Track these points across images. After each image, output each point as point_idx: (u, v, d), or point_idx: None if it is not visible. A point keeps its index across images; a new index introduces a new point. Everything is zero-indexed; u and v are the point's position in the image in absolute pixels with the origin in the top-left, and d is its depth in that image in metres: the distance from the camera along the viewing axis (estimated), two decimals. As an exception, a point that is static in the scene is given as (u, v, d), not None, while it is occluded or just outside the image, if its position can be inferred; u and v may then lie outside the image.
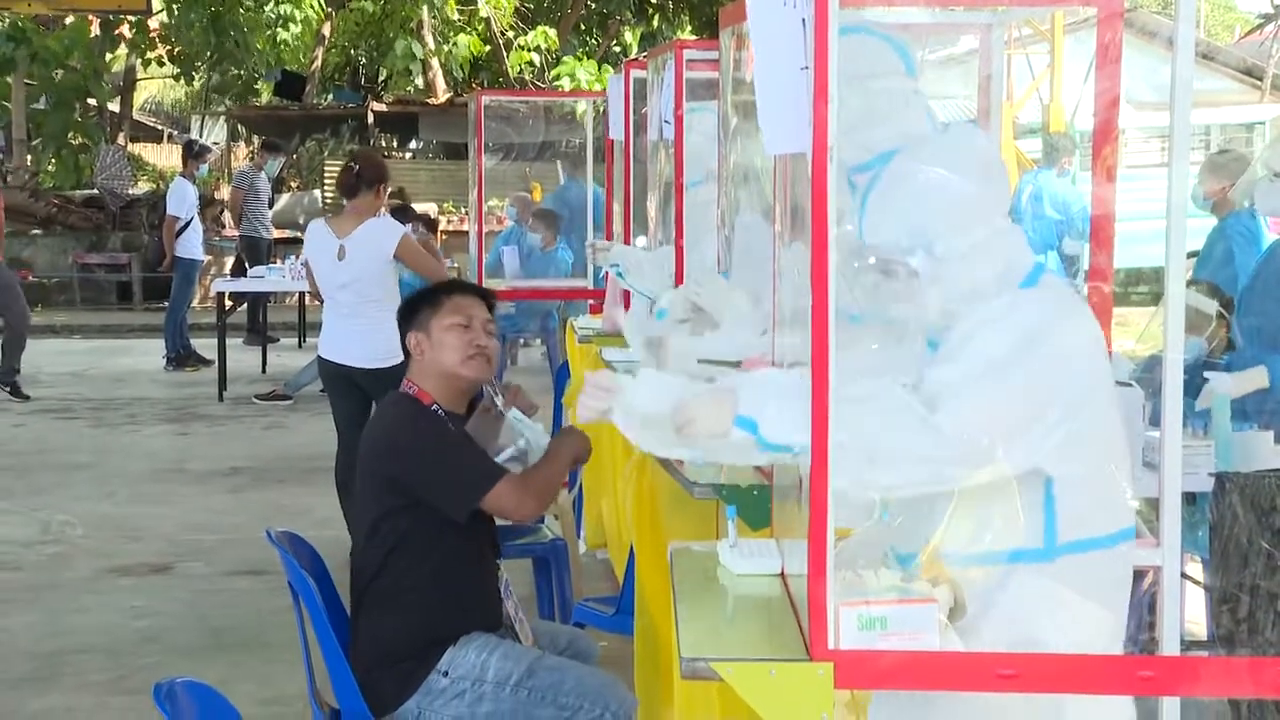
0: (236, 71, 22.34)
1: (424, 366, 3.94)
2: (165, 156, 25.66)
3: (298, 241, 14.41)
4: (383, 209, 6.88)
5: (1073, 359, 2.64)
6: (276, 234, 15.14)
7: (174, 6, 19.68)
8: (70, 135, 20.13)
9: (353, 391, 6.59)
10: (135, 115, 25.20)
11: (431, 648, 3.72)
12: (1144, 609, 3.10)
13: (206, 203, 14.95)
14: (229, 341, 11.93)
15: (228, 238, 15.94)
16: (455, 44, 20.79)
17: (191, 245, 13.02)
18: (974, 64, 3.61)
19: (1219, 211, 7.31)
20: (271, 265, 13.24)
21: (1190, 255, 5.88)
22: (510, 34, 20.84)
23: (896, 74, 3.12)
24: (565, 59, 19.67)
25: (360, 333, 6.53)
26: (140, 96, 27.38)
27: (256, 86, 23.26)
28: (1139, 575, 2.85)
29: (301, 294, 13.87)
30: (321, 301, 6.93)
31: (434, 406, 3.89)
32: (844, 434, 2.39)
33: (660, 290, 5.97)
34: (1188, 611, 4.43)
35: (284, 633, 4.71)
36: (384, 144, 22.64)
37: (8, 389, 11.41)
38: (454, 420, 3.93)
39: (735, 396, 2.60)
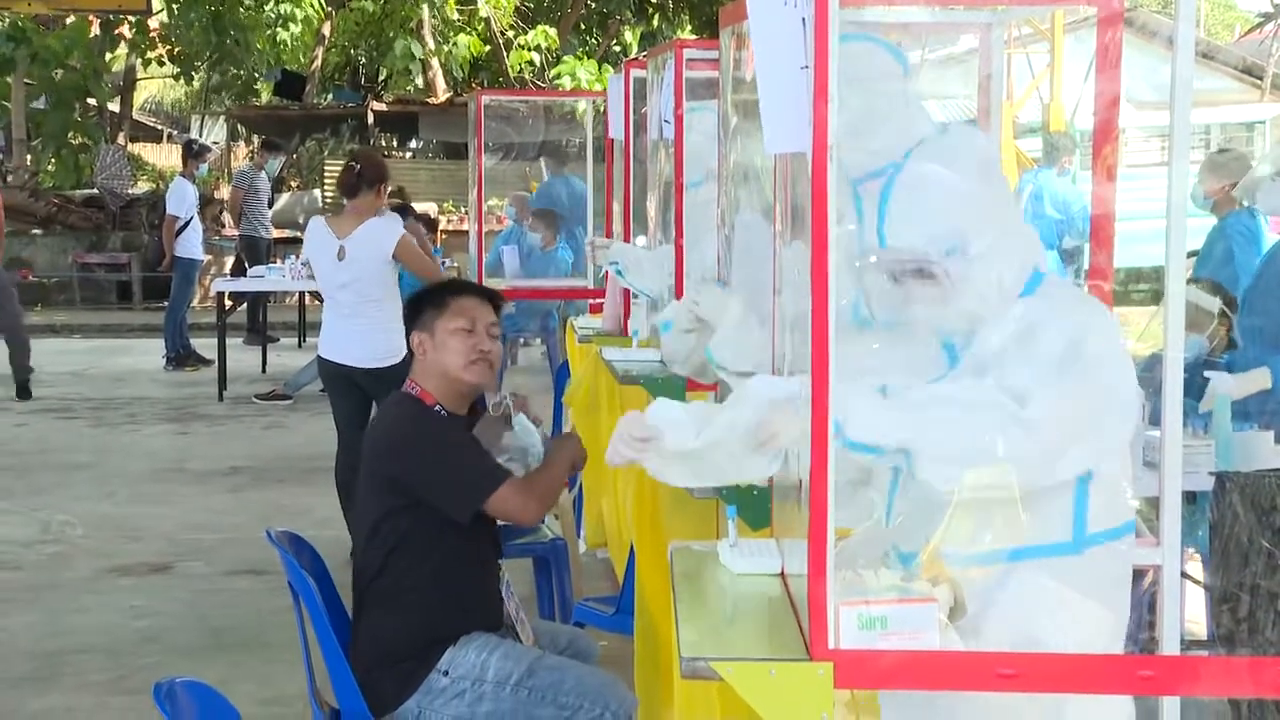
0: (236, 71, 22.34)
1: (426, 367, 3.93)
2: (165, 156, 25.66)
3: (297, 241, 14.40)
4: (383, 208, 6.88)
5: (1121, 357, 2.66)
6: (276, 234, 15.14)
7: (174, 6, 19.68)
8: (70, 135, 20.14)
9: (353, 391, 6.59)
10: (135, 115, 25.20)
11: (432, 647, 3.72)
12: (1144, 608, 3.10)
13: (206, 202, 14.95)
14: (229, 341, 11.93)
15: (227, 237, 15.94)
16: (455, 44, 20.80)
17: (191, 245, 13.02)
18: (974, 63, 3.60)
19: (1219, 211, 7.31)
20: (271, 265, 13.23)
21: (1190, 255, 5.88)
22: (510, 34, 20.84)
23: (896, 77, 3.12)
24: (565, 58, 19.67)
25: (360, 333, 6.53)
26: (140, 96, 27.39)
27: (256, 86, 23.27)
28: (1139, 574, 2.85)
29: (301, 294, 13.87)
30: (323, 301, 6.93)
31: (436, 407, 3.89)
32: (937, 433, 2.43)
33: (659, 290, 5.98)
34: (1188, 611, 4.44)
35: (284, 633, 4.71)
36: (384, 144, 22.64)
37: (24, 386, 11.38)
38: (456, 421, 3.93)
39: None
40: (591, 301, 8.99)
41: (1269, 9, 22.91)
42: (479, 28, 21.19)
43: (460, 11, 20.99)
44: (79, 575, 6.77)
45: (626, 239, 7.65)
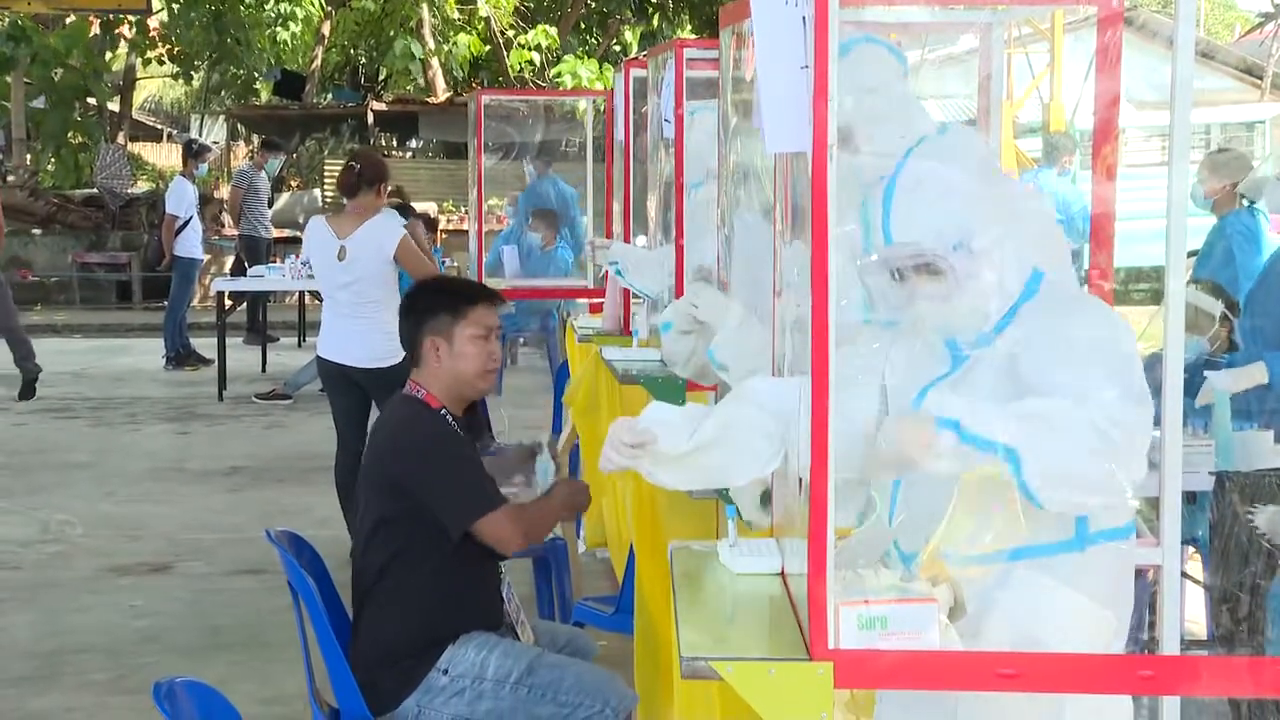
0: (236, 71, 22.34)
1: (437, 371, 3.91)
2: (165, 156, 25.67)
3: (297, 241, 14.40)
4: (384, 207, 6.87)
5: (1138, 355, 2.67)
6: (276, 233, 15.14)
7: (174, 5, 19.68)
8: (70, 134, 20.14)
9: (352, 391, 6.59)
10: (135, 114, 25.19)
11: (431, 646, 3.73)
12: (1144, 608, 3.10)
13: (205, 202, 14.95)
14: (228, 341, 11.93)
15: (227, 237, 15.93)
16: (455, 43, 20.80)
17: (191, 244, 13.02)
18: (974, 63, 3.60)
19: (1219, 210, 7.31)
20: (271, 264, 13.23)
21: (1190, 254, 5.88)
22: (510, 33, 20.84)
23: (900, 79, 3.13)
24: (566, 58, 19.67)
25: (360, 332, 6.53)
26: (140, 96, 27.38)
27: (256, 86, 23.27)
28: (1139, 574, 2.85)
29: (301, 293, 13.87)
30: (322, 300, 6.92)
31: (441, 410, 3.90)
32: (1042, 445, 2.45)
33: (659, 290, 5.98)
34: (1188, 611, 4.44)
35: (284, 632, 4.71)
36: (384, 143, 22.64)
37: (30, 384, 11.36)
38: (463, 436, 3.94)
39: (924, 409, 2.58)
40: (591, 301, 8.99)
41: (1269, 9, 22.93)
42: (479, 27, 21.18)
43: (460, 11, 20.99)
44: (78, 575, 6.77)
45: (626, 239, 7.65)
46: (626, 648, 4.28)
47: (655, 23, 21.90)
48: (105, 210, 18.83)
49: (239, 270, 14.25)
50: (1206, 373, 5.01)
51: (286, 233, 16.52)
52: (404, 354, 4.05)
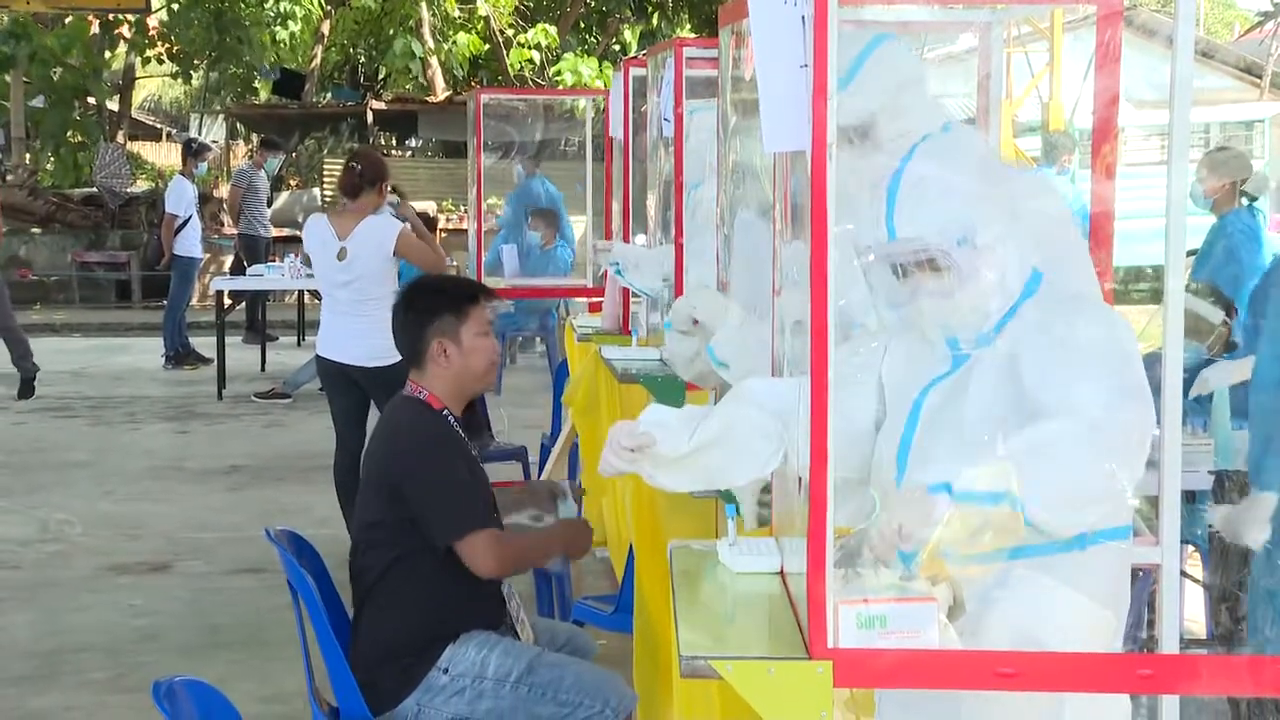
0: (235, 70, 22.32)
1: (443, 372, 3.91)
2: (164, 155, 25.64)
3: (297, 240, 14.38)
4: (382, 205, 6.86)
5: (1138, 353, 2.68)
6: (275, 232, 15.14)
7: (173, 4, 19.67)
8: (69, 133, 20.14)
9: (351, 390, 6.58)
10: (134, 113, 25.18)
11: (431, 645, 3.73)
12: (1143, 607, 3.10)
13: (205, 201, 14.95)
14: (228, 340, 11.93)
15: (226, 236, 15.94)
16: (455, 42, 20.79)
17: (190, 243, 13.01)
18: (973, 62, 3.60)
19: (1218, 209, 7.31)
20: (270, 263, 13.23)
21: (1190, 254, 5.87)
22: (510, 32, 20.84)
23: (924, 77, 3.14)
24: (565, 57, 19.66)
25: (359, 331, 6.52)
26: (139, 95, 27.37)
27: (255, 85, 23.25)
28: (1138, 573, 2.85)
29: (300, 292, 13.87)
30: (322, 299, 6.92)
31: (444, 411, 3.90)
32: (1036, 485, 2.46)
33: (659, 289, 5.98)
34: (1187, 610, 4.44)
35: (283, 631, 4.71)
36: (383, 142, 22.63)
37: (29, 383, 11.36)
38: (466, 445, 3.94)
39: (919, 484, 2.57)
40: (590, 300, 8.99)
41: (1269, 8, 22.93)
42: (478, 26, 21.18)
43: (460, 10, 20.99)
44: (78, 574, 6.77)
45: (626, 238, 7.65)
46: (626, 647, 4.28)
47: (655, 22, 21.89)
48: (104, 209, 18.83)
49: (238, 269, 14.26)
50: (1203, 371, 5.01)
51: (286, 232, 16.51)
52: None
